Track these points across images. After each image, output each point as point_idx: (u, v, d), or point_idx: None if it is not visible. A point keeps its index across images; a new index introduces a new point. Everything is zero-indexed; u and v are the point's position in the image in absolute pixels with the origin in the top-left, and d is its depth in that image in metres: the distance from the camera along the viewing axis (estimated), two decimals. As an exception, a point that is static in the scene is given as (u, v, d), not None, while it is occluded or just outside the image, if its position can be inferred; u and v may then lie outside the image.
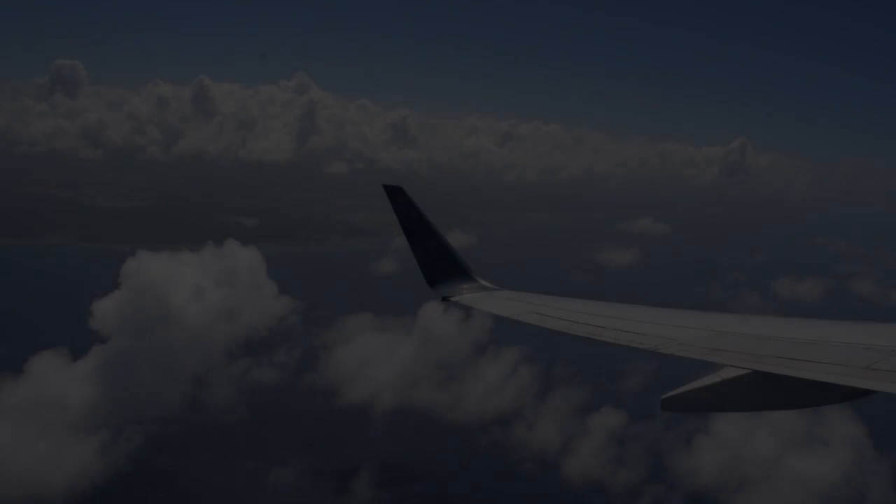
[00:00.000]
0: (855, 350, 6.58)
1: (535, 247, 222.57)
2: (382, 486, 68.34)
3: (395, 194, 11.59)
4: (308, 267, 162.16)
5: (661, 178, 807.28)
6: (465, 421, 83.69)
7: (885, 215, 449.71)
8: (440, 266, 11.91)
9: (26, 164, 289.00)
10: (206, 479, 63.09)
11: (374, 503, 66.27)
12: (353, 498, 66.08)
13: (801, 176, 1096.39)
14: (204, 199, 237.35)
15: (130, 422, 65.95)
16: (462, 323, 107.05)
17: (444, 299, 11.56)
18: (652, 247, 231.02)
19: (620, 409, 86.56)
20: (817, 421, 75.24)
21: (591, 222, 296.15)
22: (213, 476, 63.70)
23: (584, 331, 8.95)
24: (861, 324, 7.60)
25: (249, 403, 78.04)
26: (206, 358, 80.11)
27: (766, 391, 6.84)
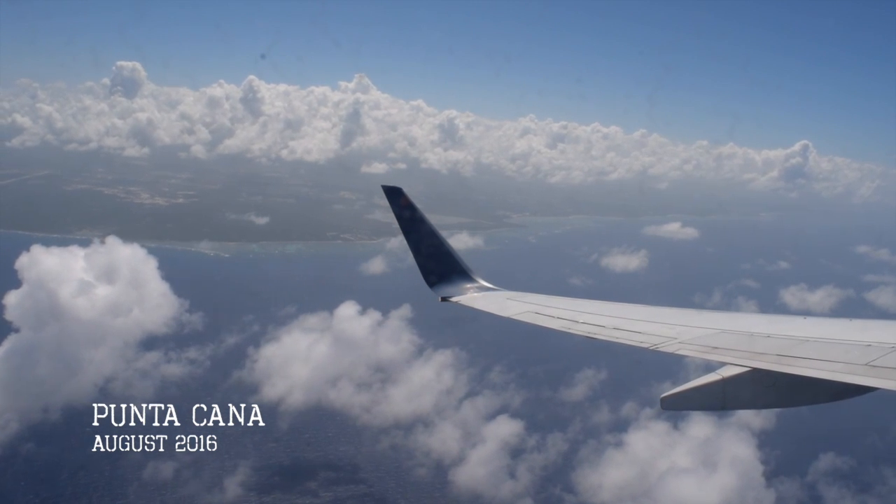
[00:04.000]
0: (854, 347, 6.55)
1: (550, 249, 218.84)
2: (260, 485, 68.42)
3: (394, 196, 11.75)
4: (298, 266, 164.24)
5: (718, 181, 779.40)
6: (376, 423, 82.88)
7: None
8: (439, 267, 12.07)
9: (74, 162, 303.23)
10: (71, 469, 64.37)
11: (245, 501, 66.39)
12: (224, 494, 66.33)
13: (867, 181, 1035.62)
14: (228, 199, 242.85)
15: (18, 411, 68.03)
16: (402, 324, 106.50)
17: (443, 300, 11.72)
18: (668, 251, 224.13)
19: (534, 419, 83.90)
20: (714, 443, 71.20)
21: (622, 226, 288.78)
22: (81, 467, 64.84)
23: (584, 330, 9.03)
24: (860, 321, 7.51)
25: (154, 398, 79.15)
26: (112, 353, 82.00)
27: (765, 389, 6.88)
